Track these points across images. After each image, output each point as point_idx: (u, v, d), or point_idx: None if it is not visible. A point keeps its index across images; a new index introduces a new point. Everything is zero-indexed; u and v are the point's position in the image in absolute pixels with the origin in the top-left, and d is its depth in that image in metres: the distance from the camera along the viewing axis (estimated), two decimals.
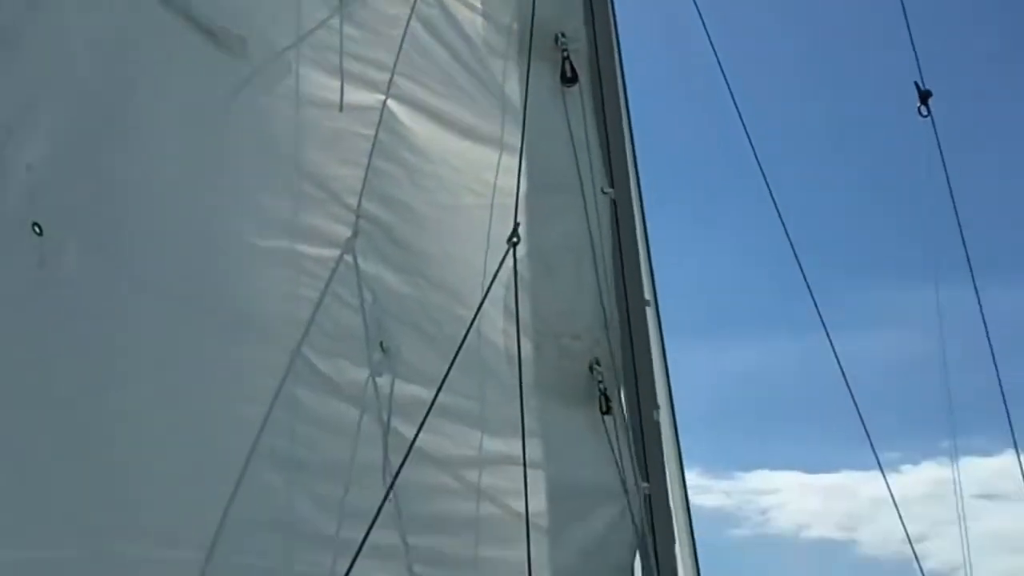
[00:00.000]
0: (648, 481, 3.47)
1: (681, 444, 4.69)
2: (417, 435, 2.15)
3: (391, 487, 2.10)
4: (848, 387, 5.03)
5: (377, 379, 2.51)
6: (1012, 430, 5.27)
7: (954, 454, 6.55)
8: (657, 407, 3.75)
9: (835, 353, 5.09)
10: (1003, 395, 5.20)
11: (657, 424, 3.73)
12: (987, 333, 5.37)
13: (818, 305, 5.07)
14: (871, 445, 5.03)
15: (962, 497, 6.24)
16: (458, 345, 2.35)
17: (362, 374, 2.48)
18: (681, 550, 4.80)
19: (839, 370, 5.05)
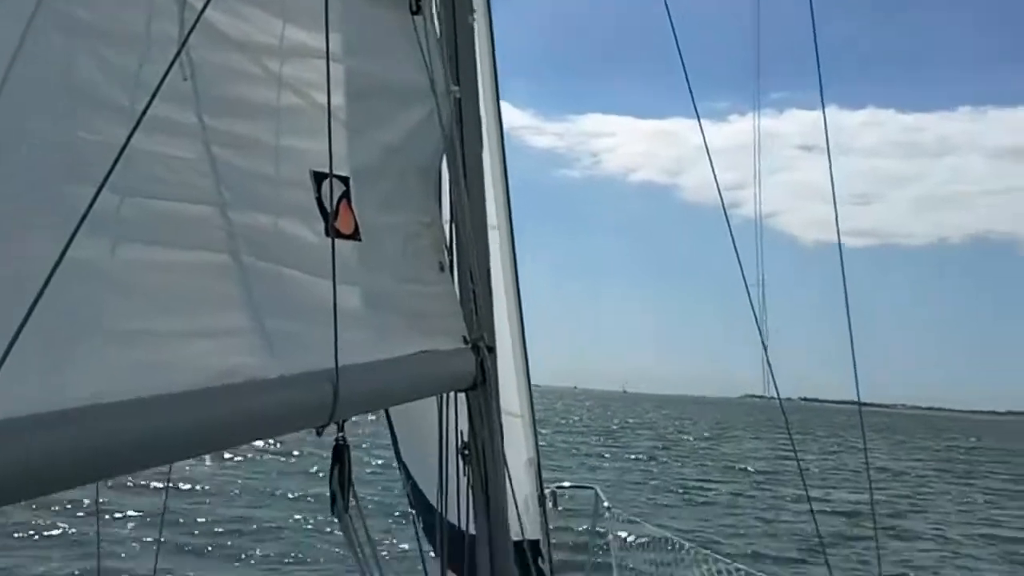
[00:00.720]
0: (459, 84, 3.62)
1: (496, 57, 4.86)
2: (207, 4, 2.17)
3: (178, 54, 2.15)
4: (673, 31, 5.23)
5: None
6: (820, 83, 5.64)
7: (756, 104, 6.97)
8: (472, 12, 3.83)
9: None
10: (816, 46, 5.50)
11: (471, 29, 3.83)
12: None
13: None
14: (689, 91, 5.32)
15: (759, 150, 6.72)
16: None
17: None
18: (490, 157, 5.09)
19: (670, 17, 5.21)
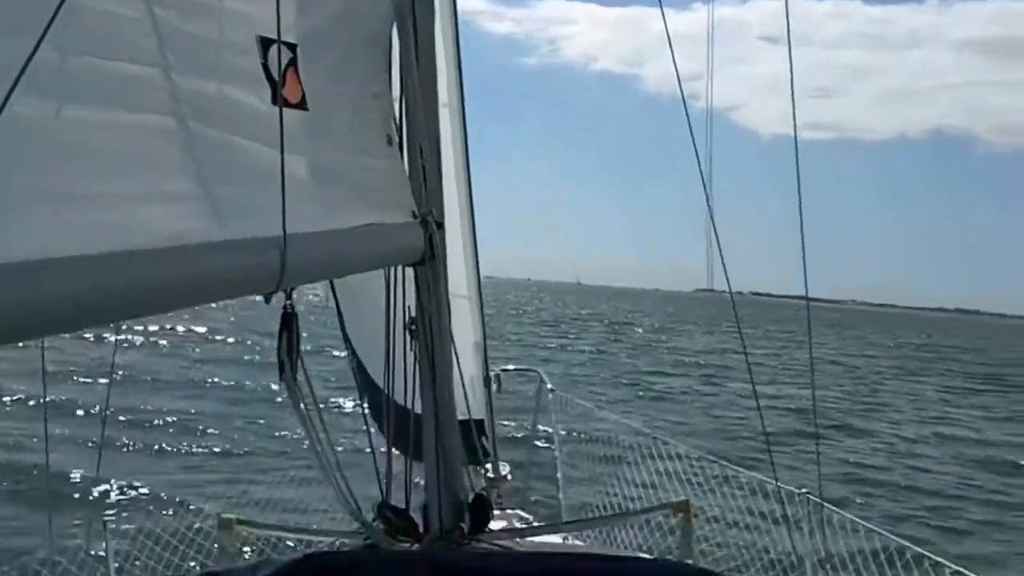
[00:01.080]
0: None
1: None
2: None
3: None
4: None
5: None
6: None
7: None
8: None
9: None
10: None
11: None
12: None
13: None
14: None
15: (712, 44, 6.73)
16: None
17: None
18: (443, 34, 5.08)
19: None
